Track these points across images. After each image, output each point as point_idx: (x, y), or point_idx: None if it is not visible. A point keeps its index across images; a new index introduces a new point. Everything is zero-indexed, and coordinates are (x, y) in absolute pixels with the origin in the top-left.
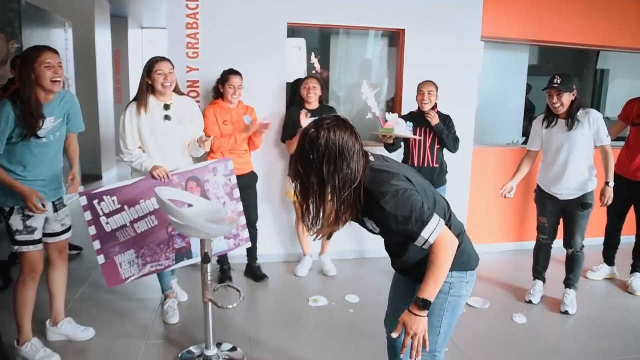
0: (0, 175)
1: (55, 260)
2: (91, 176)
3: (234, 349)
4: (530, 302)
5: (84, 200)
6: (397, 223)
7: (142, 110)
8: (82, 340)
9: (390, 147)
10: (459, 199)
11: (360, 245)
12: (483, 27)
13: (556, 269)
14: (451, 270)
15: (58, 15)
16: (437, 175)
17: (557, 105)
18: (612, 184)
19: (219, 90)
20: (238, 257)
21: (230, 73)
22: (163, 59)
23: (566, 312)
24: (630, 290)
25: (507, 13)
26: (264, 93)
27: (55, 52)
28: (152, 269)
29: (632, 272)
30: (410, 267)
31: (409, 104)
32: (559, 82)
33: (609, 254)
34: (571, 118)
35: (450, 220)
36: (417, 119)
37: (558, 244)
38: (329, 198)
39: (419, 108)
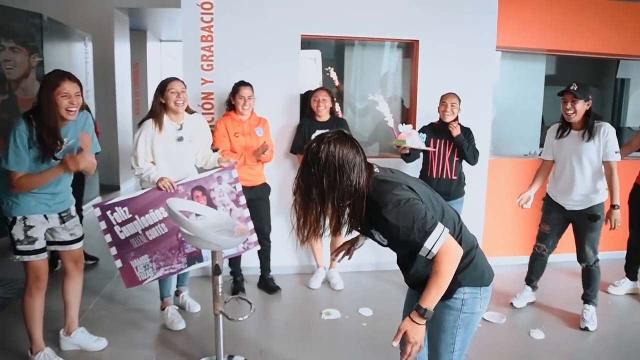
0: (37, 177)
1: (70, 271)
2: (109, 187)
3: None
4: (511, 304)
5: (97, 212)
6: (400, 233)
7: (157, 130)
8: (94, 351)
9: (407, 158)
10: (474, 210)
11: (377, 257)
12: (498, 37)
13: (573, 282)
14: (463, 285)
15: (78, 29)
16: (454, 187)
17: (570, 112)
18: (618, 206)
19: (231, 102)
20: (251, 269)
21: (240, 84)
22: (175, 78)
23: (586, 329)
24: None
25: (523, 22)
26: (277, 104)
27: (75, 80)
28: (165, 272)
29: None
30: (421, 280)
31: (424, 115)
32: (575, 88)
33: (631, 268)
34: (587, 130)
35: (461, 234)
36: (437, 130)
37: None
38: (329, 209)
39: (440, 119)
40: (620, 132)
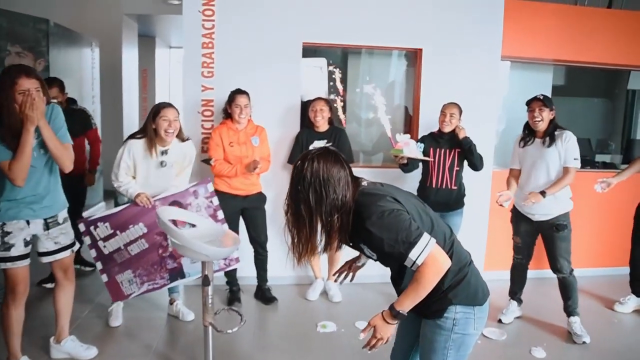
0: (19, 154)
1: (60, 280)
2: (114, 192)
3: None
4: (500, 321)
5: (82, 227)
6: (385, 244)
7: (148, 154)
8: (84, 359)
9: (405, 168)
10: (477, 222)
11: (378, 269)
12: (503, 46)
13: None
14: (454, 304)
15: (86, 35)
16: (454, 197)
17: (537, 120)
18: (546, 196)
19: (227, 111)
20: (248, 279)
21: (236, 92)
22: (169, 105)
23: (584, 343)
24: None
25: (529, 31)
26: (277, 113)
27: (33, 76)
28: (149, 287)
29: None
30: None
31: (427, 124)
32: (541, 97)
33: (636, 285)
34: (549, 136)
35: (452, 249)
36: (437, 139)
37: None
38: (319, 225)
39: (439, 129)
40: (631, 145)
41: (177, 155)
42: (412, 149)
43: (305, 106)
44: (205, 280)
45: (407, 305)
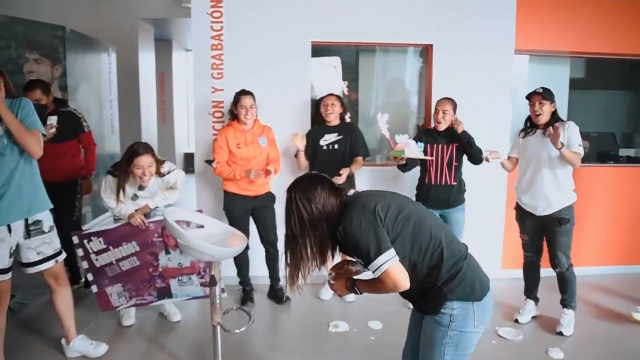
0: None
1: (53, 287)
2: None
3: None
4: (516, 320)
5: (75, 239)
6: (356, 251)
7: (116, 192)
8: (96, 357)
9: (403, 168)
10: (493, 221)
11: None
12: (517, 40)
13: (595, 296)
14: (450, 299)
15: (103, 40)
16: (454, 194)
17: (538, 114)
18: (560, 148)
19: (233, 112)
20: (261, 278)
21: (241, 93)
22: (144, 151)
23: (560, 333)
24: None
25: (543, 23)
26: (288, 112)
27: None
28: (137, 301)
29: None
30: (415, 296)
31: None
32: (541, 90)
33: None
34: (549, 126)
35: (441, 245)
36: (434, 135)
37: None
38: (312, 239)
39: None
40: None
41: (158, 186)
42: (413, 149)
43: (318, 104)
44: (212, 281)
45: (365, 290)
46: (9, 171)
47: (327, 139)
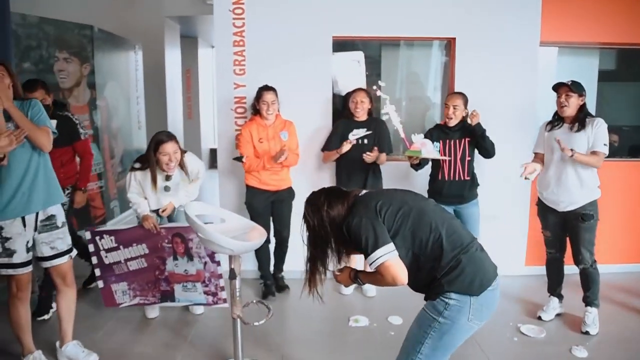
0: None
1: (59, 286)
2: None
3: None
4: (539, 318)
5: (88, 235)
6: (359, 246)
7: (152, 184)
8: None
9: (417, 167)
10: (518, 217)
11: None
12: (542, 31)
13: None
14: (447, 290)
15: (129, 38)
16: (468, 188)
17: (564, 105)
18: (573, 155)
19: (256, 107)
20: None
21: (263, 89)
22: (168, 139)
23: (587, 332)
24: None
25: (570, 14)
26: (309, 108)
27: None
28: (140, 301)
29: None
30: (421, 287)
31: None
32: (569, 82)
33: None
34: (579, 122)
35: (440, 237)
36: (446, 130)
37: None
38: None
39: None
40: None
41: (180, 174)
42: (430, 150)
43: (346, 98)
44: (232, 274)
45: (367, 281)
46: (23, 166)
47: (356, 134)
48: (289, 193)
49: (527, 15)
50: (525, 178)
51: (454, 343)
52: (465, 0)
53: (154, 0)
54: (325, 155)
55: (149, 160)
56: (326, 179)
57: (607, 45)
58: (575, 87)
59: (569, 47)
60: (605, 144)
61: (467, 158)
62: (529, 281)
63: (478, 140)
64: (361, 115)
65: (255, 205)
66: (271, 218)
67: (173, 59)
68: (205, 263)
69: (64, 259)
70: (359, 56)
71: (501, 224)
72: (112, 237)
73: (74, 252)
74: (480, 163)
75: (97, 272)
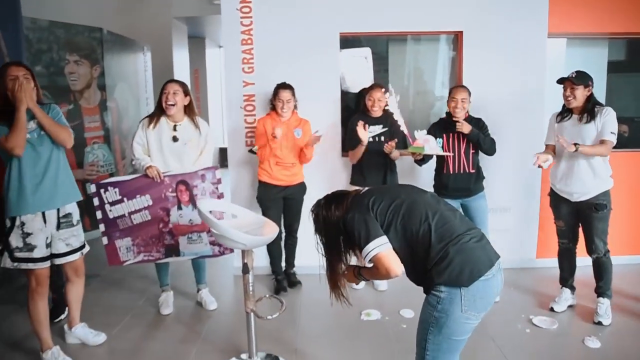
0: (14, 126)
1: (71, 277)
2: None
3: (275, 358)
4: (552, 309)
5: (93, 188)
6: (354, 240)
7: (152, 126)
8: (93, 345)
9: (420, 163)
10: (528, 209)
11: None
12: (550, 22)
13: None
14: (437, 283)
15: (138, 40)
16: (474, 182)
17: (570, 98)
18: (578, 150)
19: (272, 103)
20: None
21: (280, 87)
22: (173, 80)
23: (599, 323)
24: None
25: (578, 4)
26: (317, 105)
27: (20, 65)
28: (144, 257)
29: None
30: (417, 279)
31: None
32: (573, 75)
33: None
34: (587, 112)
35: (430, 229)
36: (448, 125)
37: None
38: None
39: (448, 114)
40: None
41: (190, 131)
42: (432, 146)
43: (361, 94)
44: (245, 268)
45: (368, 277)
46: (44, 162)
47: (372, 131)
48: (301, 188)
49: (534, 7)
50: (539, 166)
51: (456, 336)
52: None
53: (161, 1)
54: (351, 154)
55: (155, 107)
56: (338, 175)
57: (617, 36)
58: (579, 79)
59: (578, 38)
60: (612, 132)
61: (472, 151)
62: (541, 273)
63: (477, 145)
64: (377, 112)
65: (266, 200)
66: (283, 213)
67: (181, 59)
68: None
69: (77, 256)
70: (366, 52)
71: (512, 217)
72: (117, 189)
73: (87, 249)
74: (490, 157)
75: (102, 227)
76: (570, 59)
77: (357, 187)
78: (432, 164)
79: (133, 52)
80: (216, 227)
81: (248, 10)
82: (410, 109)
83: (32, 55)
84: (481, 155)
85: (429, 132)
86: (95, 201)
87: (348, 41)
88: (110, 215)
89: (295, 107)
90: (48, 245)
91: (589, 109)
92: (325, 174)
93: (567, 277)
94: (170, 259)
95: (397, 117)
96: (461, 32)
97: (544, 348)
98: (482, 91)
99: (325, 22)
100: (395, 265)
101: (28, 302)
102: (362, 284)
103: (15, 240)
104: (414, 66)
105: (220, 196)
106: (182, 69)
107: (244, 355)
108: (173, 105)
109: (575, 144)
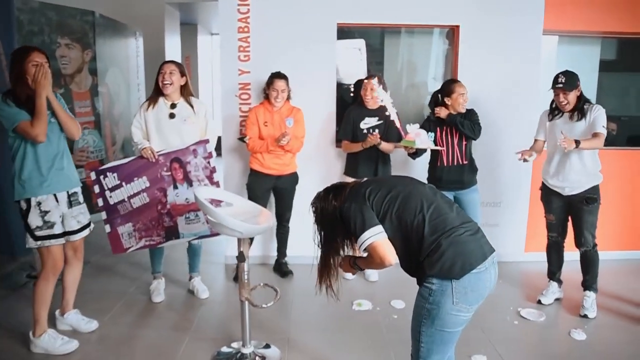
0: (36, 114)
1: (70, 259)
2: None
3: (267, 346)
4: (539, 302)
5: (93, 175)
6: (349, 229)
7: (150, 107)
8: (85, 331)
9: (414, 156)
10: (517, 204)
11: None
12: (545, 19)
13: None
14: (428, 275)
15: (130, 25)
16: (467, 173)
17: (564, 104)
18: (579, 147)
19: (266, 92)
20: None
21: (274, 76)
22: (170, 61)
23: (585, 316)
24: None
25: (573, 2)
26: (313, 95)
27: (42, 52)
28: (146, 242)
29: None
30: (411, 270)
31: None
32: (563, 81)
33: None
34: (578, 110)
35: (424, 220)
36: (439, 120)
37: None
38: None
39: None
40: None
41: (188, 111)
42: (424, 140)
43: (358, 85)
44: (241, 257)
45: (363, 266)
46: (54, 147)
47: (368, 123)
48: (293, 178)
49: (531, 3)
50: (525, 160)
51: (449, 328)
52: None
53: None
54: (346, 145)
55: (153, 88)
56: (332, 166)
57: (609, 35)
58: (570, 85)
59: (571, 36)
60: (603, 126)
61: (464, 142)
62: (529, 267)
63: (458, 127)
64: (373, 104)
65: (255, 189)
66: (275, 201)
67: (173, 46)
68: (205, 186)
69: (86, 232)
70: (360, 44)
71: (501, 211)
72: (115, 174)
73: (92, 226)
74: (482, 151)
75: (104, 215)
76: (562, 56)
77: (350, 178)
78: (426, 156)
79: (125, 37)
80: (213, 214)
81: None
82: (403, 101)
83: (23, 37)
84: (474, 148)
85: (422, 127)
86: (96, 188)
87: (342, 32)
88: (111, 202)
89: (289, 96)
90: (62, 223)
91: (580, 108)
92: (319, 165)
93: (554, 270)
94: (170, 242)
95: (390, 110)
96: (457, 26)
97: (532, 339)
98: (477, 85)
99: (323, 11)
100: (389, 254)
101: (39, 283)
102: (376, 275)
103: (34, 220)
104: (408, 59)
105: (213, 170)
106: (173, 56)
107: (235, 344)
108: (170, 84)
109: (576, 141)
